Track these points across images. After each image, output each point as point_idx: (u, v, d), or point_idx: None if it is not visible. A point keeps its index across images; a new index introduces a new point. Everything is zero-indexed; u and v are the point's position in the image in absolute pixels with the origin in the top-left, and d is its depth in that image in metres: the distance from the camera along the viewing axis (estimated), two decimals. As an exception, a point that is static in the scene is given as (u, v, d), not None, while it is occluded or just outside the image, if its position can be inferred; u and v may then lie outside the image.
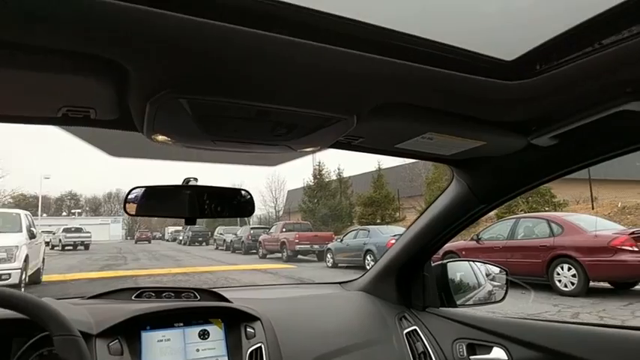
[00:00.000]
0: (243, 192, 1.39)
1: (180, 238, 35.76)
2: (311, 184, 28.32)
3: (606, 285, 8.13)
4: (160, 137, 0.93)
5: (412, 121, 1.00)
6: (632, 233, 7.53)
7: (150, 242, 38.51)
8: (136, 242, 37.69)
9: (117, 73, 0.72)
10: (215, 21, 0.60)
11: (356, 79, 0.79)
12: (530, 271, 8.29)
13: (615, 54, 0.71)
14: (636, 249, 7.25)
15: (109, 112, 0.92)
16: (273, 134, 0.94)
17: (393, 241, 1.94)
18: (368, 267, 9.15)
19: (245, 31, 0.62)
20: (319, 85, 0.80)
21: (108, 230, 48.29)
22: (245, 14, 0.62)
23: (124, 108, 0.87)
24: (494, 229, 10.05)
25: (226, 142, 0.99)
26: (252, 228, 22.15)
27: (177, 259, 19.26)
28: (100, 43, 0.65)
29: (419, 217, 1.70)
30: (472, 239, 10.11)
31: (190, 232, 31.84)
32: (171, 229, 43.43)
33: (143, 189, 1.26)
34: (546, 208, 13.17)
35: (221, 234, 27.11)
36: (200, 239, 31.93)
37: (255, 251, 20.75)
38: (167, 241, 42.43)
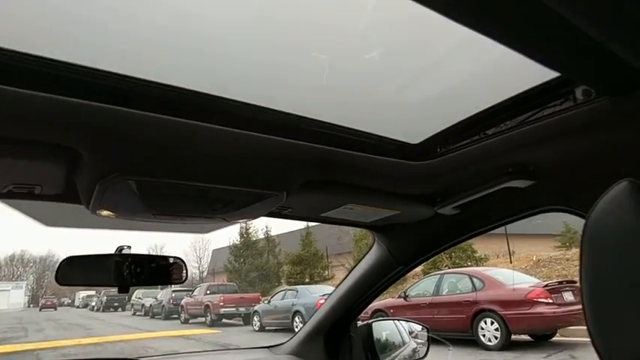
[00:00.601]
0: (175, 260, 1.43)
1: (93, 304, 32.94)
2: (237, 243, 27.53)
3: (527, 337, 8.37)
4: (105, 212, 0.97)
5: (335, 195, 1.13)
6: (546, 286, 7.93)
7: (56, 309, 35.30)
8: (40, 309, 34.46)
9: (69, 156, 0.78)
10: (160, 114, 0.72)
11: (284, 162, 0.93)
12: (457, 326, 8.40)
13: (498, 142, 0.93)
14: (551, 301, 7.59)
15: (55, 189, 0.95)
16: (211, 209, 1.03)
17: (322, 301, 1.91)
18: (297, 329, 8.79)
19: (185, 122, 0.75)
20: (252, 166, 0.92)
21: (7, 298, 43.34)
22: (184, 107, 0.74)
23: (70, 185, 0.91)
24: (421, 285, 10.19)
25: (167, 216, 1.07)
26: (173, 291, 20.87)
27: (89, 327, 17.61)
28: (57, 133, 0.73)
29: (345, 278, 1.73)
30: (400, 296, 10.15)
31: (105, 297, 29.49)
32: (82, 294, 39.90)
33: (75, 258, 1.29)
34: (468, 263, 13.64)
35: (139, 298, 25.32)
36: (116, 304, 29.54)
37: (176, 316, 19.49)
38: (77, 307, 38.94)
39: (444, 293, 9.43)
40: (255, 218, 1.22)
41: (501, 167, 1.03)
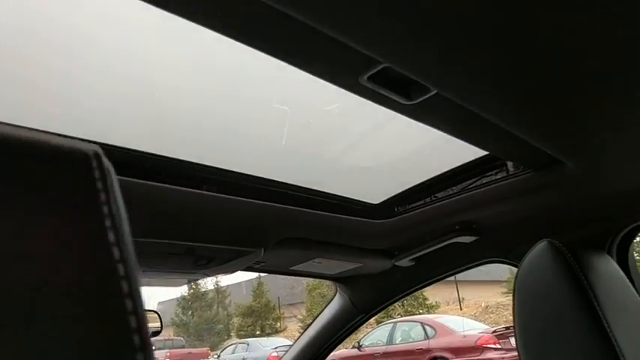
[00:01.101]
0: None
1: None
2: (185, 294, 26.52)
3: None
4: None
5: (305, 250, 1.21)
6: (495, 331, 8.15)
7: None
8: None
9: None
10: (155, 182, 0.79)
11: (262, 222, 1.02)
12: (411, 375, 8.42)
13: (447, 204, 1.08)
14: (499, 346, 7.81)
15: None
16: (196, 265, 1.10)
17: (275, 354, 1.95)
18: (248, 384, 8.42)
19: (177, 189, 0.82)
20: (234, 226, 1.01)
21: None
22: (178, 176, 0.82)
23: None
24: (374, 334, 10.19)
25: (154, 271, 1.12)
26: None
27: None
28: None
29: (305, 330, 1.78)
30: (354, 347, 10.08)
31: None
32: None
33: None
34: (420, 311, 13.79)
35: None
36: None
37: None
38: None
39: (397, 342, 9.48)
40: (233, 272, 1.29)
41: (450, 225, 1.18)
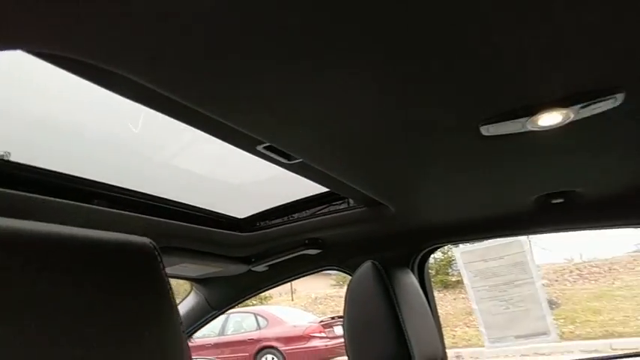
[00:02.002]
0: None
1: None
2: None
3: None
4: None
5: (174, 257, 1.33)
6: (322, 322, 8.88)
7: None
8: None
9: None
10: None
11: (136, 232, 1.11)
12: (241, 365, 8.69)
13: (300, 224, 1.34)
14: (324, 335, 8.54)
15: None
16: None
17: None
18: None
19: (61, 202, 0.87)
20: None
21: None
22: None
23: None
24: (207, 326, 10.20)
25: None
26: None
27: None
28: None
29: None
30: (185, 338, 10.00)
31: None
32: None
33: None
34: (254, 302, 14.21)
35: None
36: None
37: None
38: None
39: (229, 333, 9.65)
40: None
41: (301, 240, 1.48)
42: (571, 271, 11.81)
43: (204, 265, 1.53)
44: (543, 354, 7.58)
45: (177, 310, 0.45)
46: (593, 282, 11.16)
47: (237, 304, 1.89)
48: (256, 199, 1.45)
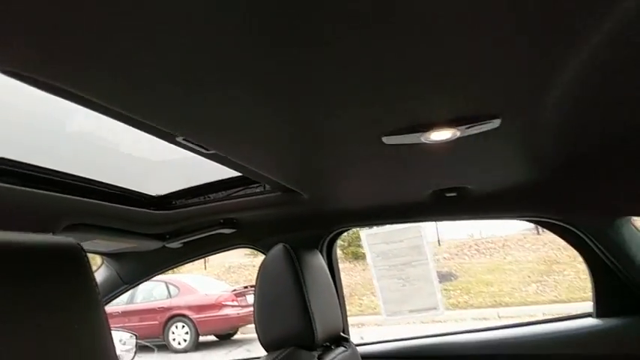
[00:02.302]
0: None
1: None
2: None
3: (213, 338, 9.23)
4: None
5: (88, 234, 1.33)
6: (234, 290, 8.96)
7: None
8: None
9: None
10: None
11: (53, 210, 1.12)
12: (149, 333, 8.54)
13: (216, 205, 1.38)
14: (236, 303, 8.64)
15: None
16: None
17: None
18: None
19: None
20: (25, 215, 1.07)
21: None
22: None
23: None
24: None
25: None
26: None
27: None
28: None
29: None
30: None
31: None
32: None
33: None
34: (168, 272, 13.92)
35: None
36: None
37: None
38: None
39: (138, 301, 9.45)
40: None
41: (216, 220, 1.52)
42: (470, 247, 12.82)
43: (118, 242, 1.53)
44: (439, 321, 8.29)
45: (102, 305, 0.49)
46: (488, 256, 12.21)
47: (149, 279, 1.89)
48: (173, 178, 1.46)
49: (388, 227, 2.08)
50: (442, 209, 1.54)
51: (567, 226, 1.58)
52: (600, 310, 1.64)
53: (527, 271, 10.65)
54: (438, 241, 13.28)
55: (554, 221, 1.59)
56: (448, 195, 1.35)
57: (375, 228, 2.31)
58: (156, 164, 1.49)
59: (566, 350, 1.59)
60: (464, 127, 0.77)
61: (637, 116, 0.78)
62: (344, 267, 11.78)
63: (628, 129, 0.85)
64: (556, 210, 1.54)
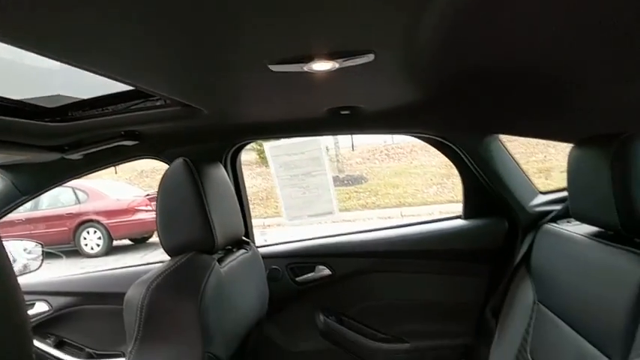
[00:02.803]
0: None
1: None
2: None
3: (127, 242, 9.27)
4: None
5: None
6: (147, 195, 8.90)
7: None
8: None
9: None
10: None
11: None
12: (59, 239, 8.40)
13: (116, 117, 1.35)
14: (150, 208, 8.63)
15: None
16: None
17: None
18: None
19: None
20: None
21: None
22: None
23: None
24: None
25: None
26: None
27: None
28: None
29: None
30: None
31: None
32: None
33: None
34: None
35: None
36: None
37: None
38: None
39: (43, 207, 9.11)
40: None
41: (117, 132, 1.51)
42: (381, 152, 13.50)
43: (12, 154, 1.49)
44: (349, 220, 8.93)
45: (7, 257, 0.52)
46: (396, 161, 12.98)
47: (49, 190, 1.87)
48: (69, 88, 1.42)
49: (290, 140, 2.18)
50: (338, 125, 1.66)
51: (445, 142, 1.79)
52: (467, 213, 1.92)
53: (430, 174, 11.54)
54: (352, 146, 13.81)
55: (434, 137, 1.79)
56: (343, 113, 1.46)
57: (278, 141, 2.41)
58: (51, 73, 1.42)
59: (439, 247, 1.87)
60: (341, 60, 0.85)
61: (504, 44, 0.89)
62: (262, 171, 12.02)
63: (496, 56, 0.97)
64: (436, 128, 1.73)
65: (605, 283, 1.09)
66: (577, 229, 1.35)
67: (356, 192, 11.33)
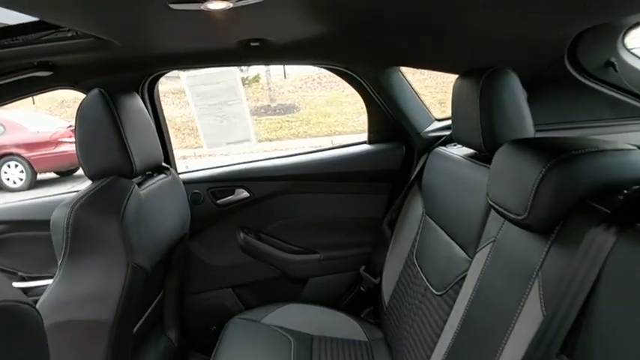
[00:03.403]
0: None
1: None
2: None
3: (53, 175, 8.95)
4: None
5: None
6: (71, 126, 8.51)
7: None
8: None
9: None
10: None
11: None
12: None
13: (29, 48, 1.34)
14: (74, 140, 8.29)
15: None
16: None
17: None
18: None
19: None
20: None
21: None
22: None
23: None
24: None
25: None
26: None
27: None
28: None
29: None
30: None
31: None
32: None
33: None
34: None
35: None
36: None
37: None
38: None
39: (-44, 142, 8.51)
40: None
41: (30, 63, 1.51)
42: (313, 80, 13.49)
43: None
44: (282, 149, 9.09)
45: None
46: (328, 90, 13.06)
47: None
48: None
49: (206, 70, 2.26)
50: (249, 56, 1.76)
51: (349, 72, 1.95)
52: (371, 138, 2.14)
53: (361, 103, 11.74)
54: (285, 74, 13.67)
55: (339, 68, 1.94)
56: (252, 44, 1.56)
57: (194, 71, 2.46)
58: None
59: (347, 169, 2.09)
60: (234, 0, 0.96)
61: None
62: (190, 101, 11.71)
63: None
64: (339, 59, 1.87)
65: (472, 196, 1.33)
66: (459, 152, 1.59)
67: (288, 121, 11.43)
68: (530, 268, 0.91)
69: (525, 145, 0.99)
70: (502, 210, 1.00)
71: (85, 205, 1.27)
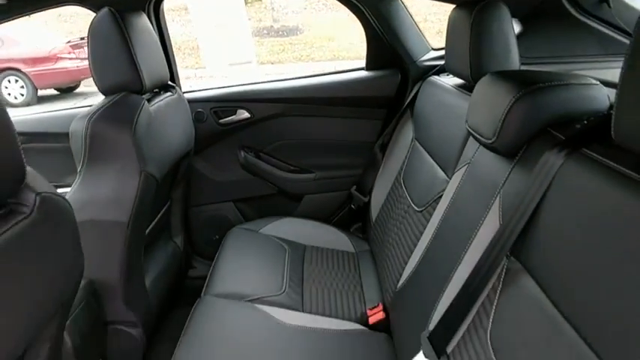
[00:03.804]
0: None
1: None
2: None
3: (53, 91, 8.94)
4: None
5: None
6: (70, 42, 8.38)
7: None
8: None
9: None
10: None
11: None
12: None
13: None
14: (74, 56, 8.22)
15: None
16: None
17: None
18: None
19: None
20: None
21: None
22: None
23: None
24: None
25: None
26: None
27: None
28: None
29: None
30: None
31: None
32: None
33: None
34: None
35: None
36: None
37: None
38: None
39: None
40: None
41: None
42: (318, 1, 13.02)
43: None
44: (283, 75, 9.01)
45: None
46: (334, 12, 12.64)
47: None
48: None
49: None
50: None
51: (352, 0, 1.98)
52: (369, 65, 2.21)
53: (366, 27, 11.48)
54: (288, -6, 13.18)
55: (340, -5, 1.97)
56: None
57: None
58: None
59: (344, 94, 2.18)
60: None
61: None
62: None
63: None
64: None
65: (455, 122, 1.44)
66: (450, 81, 1.68)
67: (290, 44, 11.20)
68: (495, 186, 1.05)
69: (502, 76, 1.09)
70: (477, 135, 1.12)
71: (100, 117, 1.39)
